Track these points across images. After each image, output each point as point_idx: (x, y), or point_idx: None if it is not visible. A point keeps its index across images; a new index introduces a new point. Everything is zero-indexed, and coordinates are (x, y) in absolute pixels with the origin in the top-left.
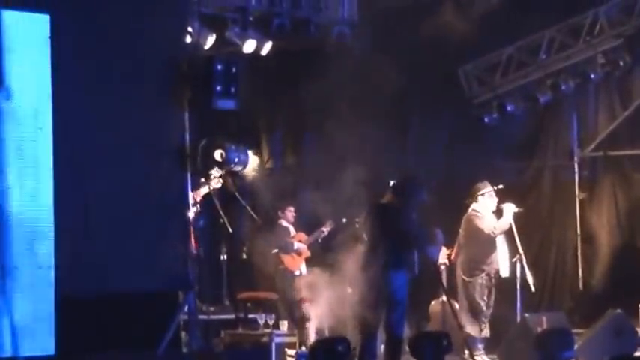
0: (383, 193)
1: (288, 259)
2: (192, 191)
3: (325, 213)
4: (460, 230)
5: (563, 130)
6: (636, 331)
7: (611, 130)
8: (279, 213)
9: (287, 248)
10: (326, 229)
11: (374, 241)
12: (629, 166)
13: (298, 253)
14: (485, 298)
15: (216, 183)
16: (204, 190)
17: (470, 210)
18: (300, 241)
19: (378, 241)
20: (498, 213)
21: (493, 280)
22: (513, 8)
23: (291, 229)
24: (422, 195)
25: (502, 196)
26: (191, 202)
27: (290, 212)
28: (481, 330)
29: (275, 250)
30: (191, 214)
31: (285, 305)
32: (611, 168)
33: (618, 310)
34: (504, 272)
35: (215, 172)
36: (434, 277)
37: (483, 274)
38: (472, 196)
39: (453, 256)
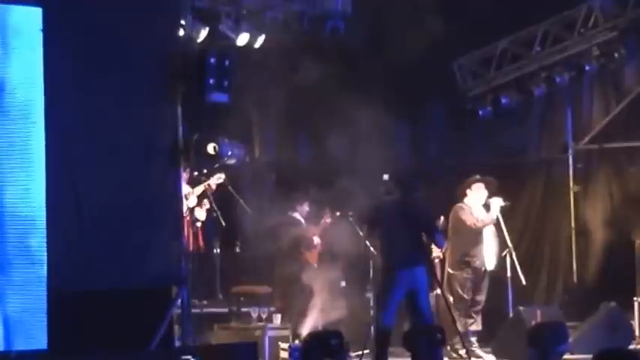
0: (378, 188)
1: (310, 255)
2: (192, 187)
3: (322, 206)
4: (448, 225)
5: (557, 123)
6: (631, 325)
7: (606, 123)
8: (297, 206)
9: (310, 246)
10: (328, 219)
11: (391, 239)
12: (623, 159)
13: (316, 247)
14: (469, 292)
15: (217, 179)
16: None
17: (457, 203)
18: (314, 234)
19: (395, 240)
20: (487, 207)
21: (480, 273)
22: (508, 1)
23: (304, 222)
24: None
25: (496, 190)
26: (195, 198)
27: (305, 207)
28: (470, 323)
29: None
30: (196, 209)
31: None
32: (606, 161)
33: (613, 304)
34: (490, 265)
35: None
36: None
37: (468, 268)
38: (462, 191)
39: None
